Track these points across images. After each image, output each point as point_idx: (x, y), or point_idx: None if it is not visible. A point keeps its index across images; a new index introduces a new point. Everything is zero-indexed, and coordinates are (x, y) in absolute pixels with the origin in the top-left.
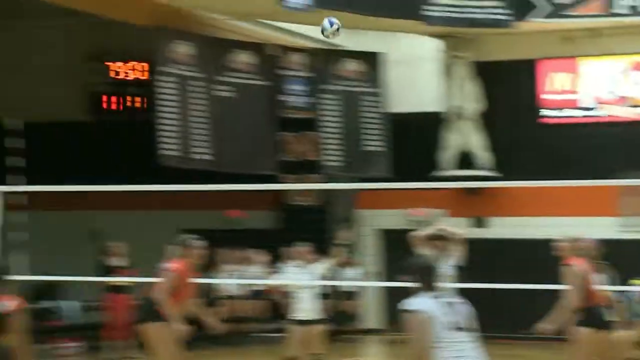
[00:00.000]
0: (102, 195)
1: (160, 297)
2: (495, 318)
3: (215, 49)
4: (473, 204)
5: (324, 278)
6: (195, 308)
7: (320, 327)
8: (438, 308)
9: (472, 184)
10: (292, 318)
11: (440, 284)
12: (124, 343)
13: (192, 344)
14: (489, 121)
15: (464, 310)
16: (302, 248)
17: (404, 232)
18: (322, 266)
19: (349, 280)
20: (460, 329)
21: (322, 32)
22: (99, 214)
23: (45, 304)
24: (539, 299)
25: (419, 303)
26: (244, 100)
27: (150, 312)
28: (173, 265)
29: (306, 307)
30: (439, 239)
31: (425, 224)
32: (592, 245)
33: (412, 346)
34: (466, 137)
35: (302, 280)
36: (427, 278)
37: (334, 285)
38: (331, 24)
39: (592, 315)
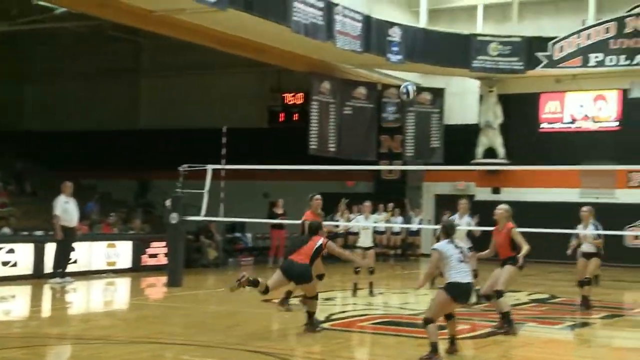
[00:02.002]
0: (271, 171)
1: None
2: None
3: (344, 85)
4: (493, 179)
5: (385, 222)
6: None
7: (372, 251)
8: (450, 248)
9: (493, 167)
10: (358, 245)
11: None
12: (279, 259)
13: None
14: (507, 130)
15: (466, 250)
16: (367, 203)
17: (450, 196)
18: (380, 216)
19: (416, 223)
20: (462, 261)
21: (403, 95)
22: (269, 183)
23: (236, 234)
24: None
25: (440, 245)
26: (358, 116)
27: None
28: (306, 214)
29: (365, 240)
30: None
31: (463, 192)
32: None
33: (428, 267)
34: (492, 139)
35: (364, 223)
36: (447, 231)
37: (403, 226)
38: (407, 92)
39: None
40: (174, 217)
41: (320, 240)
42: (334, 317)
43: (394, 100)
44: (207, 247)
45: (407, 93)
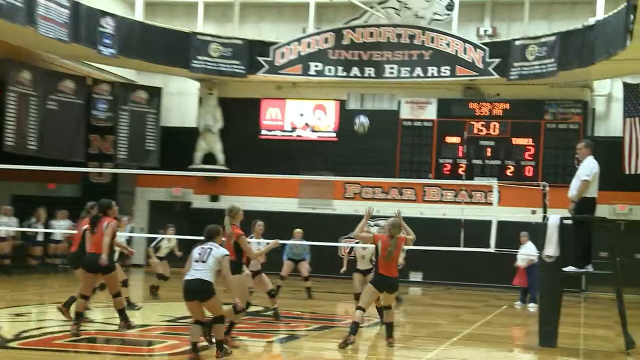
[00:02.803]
0: None
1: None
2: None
3: (47, 77)
4: (211, 186)
5: None
6: None
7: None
8: (196, 249)
9: (212, 174)
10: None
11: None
12: None
13: None
14: (227, 135)
15: (212, 252)
16: (125, 218)
17: (166, 203)
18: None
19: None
20: (197, 260)
21: (356, 127)
22: None
23: None
24: None
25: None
26: (65, 112)
27: None
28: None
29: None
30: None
31: (179, 198)
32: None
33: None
34: (211, 144)
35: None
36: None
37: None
38: (361, 123)
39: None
40: None
41: (106, 221)
42: (26, 334)
43: (106, 97)
44: None
45: (362, 125)
